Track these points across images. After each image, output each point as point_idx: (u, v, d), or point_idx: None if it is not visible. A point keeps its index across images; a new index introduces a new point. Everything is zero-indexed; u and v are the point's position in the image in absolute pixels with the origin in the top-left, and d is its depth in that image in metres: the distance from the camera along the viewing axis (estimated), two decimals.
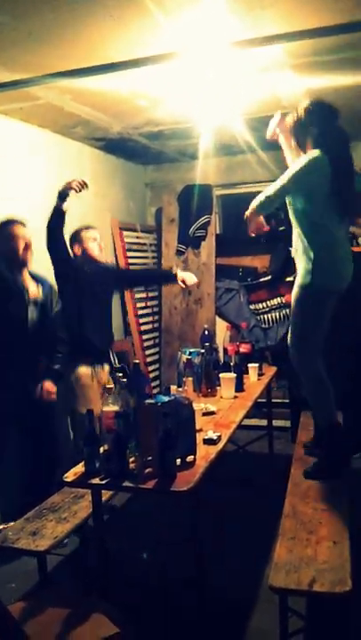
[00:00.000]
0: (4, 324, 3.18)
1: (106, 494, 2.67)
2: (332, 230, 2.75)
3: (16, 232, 3.23)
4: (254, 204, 2.76)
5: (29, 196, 3.99)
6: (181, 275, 3.85)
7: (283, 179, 2.68)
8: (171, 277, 3.95)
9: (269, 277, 5.53)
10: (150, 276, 4.46)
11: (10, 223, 3.26)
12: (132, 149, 5.08)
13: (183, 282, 3.82)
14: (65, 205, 3.37)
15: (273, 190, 2.68)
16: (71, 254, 3.55)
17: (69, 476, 2.29)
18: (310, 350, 2.83)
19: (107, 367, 3.67)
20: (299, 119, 2.80)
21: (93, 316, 3.57)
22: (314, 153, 2.67)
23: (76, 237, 3.62)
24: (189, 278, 3.83)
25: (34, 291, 3.30)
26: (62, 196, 3.37)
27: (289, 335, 2.92)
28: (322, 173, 2.63)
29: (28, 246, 3.25)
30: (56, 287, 3.47)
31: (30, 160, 4.05)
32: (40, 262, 3.42)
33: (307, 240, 2.78)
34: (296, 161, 2.74)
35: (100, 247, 3.66)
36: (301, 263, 2.82)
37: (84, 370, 3.50)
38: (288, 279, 5.32)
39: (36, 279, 3.36)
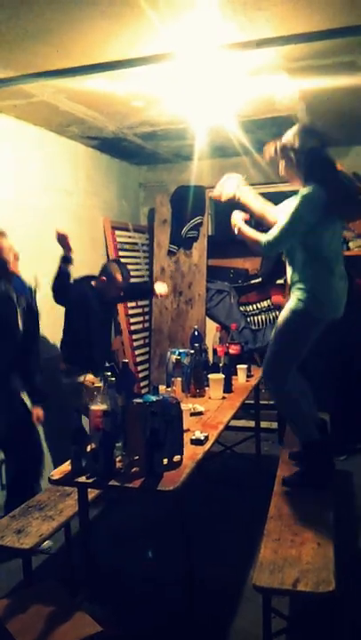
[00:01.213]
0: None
1: (92, 493, 2.66)
2: (330, 264, 2.71)
3: (3, 244, 3.19)
4: (262, 240, 2.73)
5: (23, 195, 3.98)
6: (156, 286, 4.25)
7: (283, 221, 2.66)
8: (151, 292, 4.32)
9: (260, 279, 5.55)
10: (141, 289, 4.94)
11: None
12: (127, 149, 5.08)
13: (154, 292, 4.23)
14: (70, 268, 3.62)
15: (275, 234, 2.67)
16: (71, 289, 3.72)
17: (55, 474, 2.29)
18: (286, 371, 2.80)
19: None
20: (288, 145, 2.76)
21: (99, 337, 3.86)
22: (306, 190, 2.64)
23: (106, 270, 3.95)
24: (159, 288, 4.22)
25: (19, 298, 3.29)
26: (67, 259, 3.59)
27: (267, 353, 2.87)
28: (319, 208, 2.61)
29: (16, 258, 3.23)
30: (33, 285, 3.48)
31: (24, 158, 4.04)
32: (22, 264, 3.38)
33: (303, 270, 2.76)
34: (291, 201, 2.70)
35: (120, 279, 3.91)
36: (295, 288, 2.79)
37: (91, 377, 3.65)
38: (279, 282, 5.35)
39: (16, 285, 3.33)
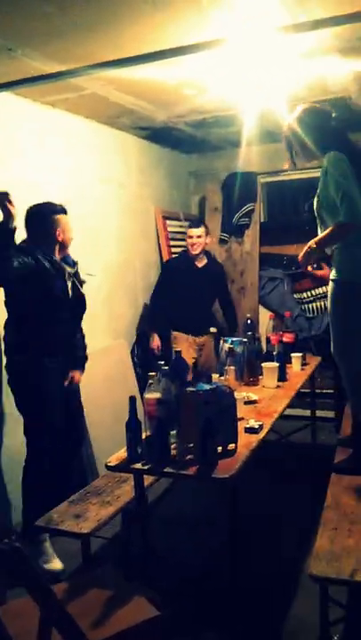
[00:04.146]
0: (51, 300, 3.11)
1: (147, 479, 2.70)
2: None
3: (63, 222, 3.18)
4: (341, 220, 2.62)
5: (76, 187, 4.04)
6: None
7: (335, 193, 2.62)
8: None
9: (314, 266, 5.44)
10: None
11: (57, 212, 3.17)
12: (177, 138, 5.07)
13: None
14: None
15: (344, 206, 2.58)
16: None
17: (112, 460, 2.34)
18: (352, 343, 2.76)
19: (205, 337, 4.71)
20: (290, 134, 2.86)
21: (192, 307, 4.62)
22: (327, 156, 2.69)
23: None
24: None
25: (68, 268, 3.24)
26: None
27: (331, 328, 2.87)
28: (346, 165, 2.64)
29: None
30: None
31: (77, 151, 4.09)
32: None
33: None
34: (329, 172, 2.68)
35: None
36: (333, 262, 2.81)
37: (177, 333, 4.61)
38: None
39: (68, 261, 3.29)
